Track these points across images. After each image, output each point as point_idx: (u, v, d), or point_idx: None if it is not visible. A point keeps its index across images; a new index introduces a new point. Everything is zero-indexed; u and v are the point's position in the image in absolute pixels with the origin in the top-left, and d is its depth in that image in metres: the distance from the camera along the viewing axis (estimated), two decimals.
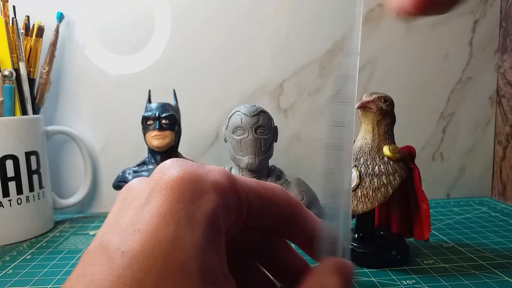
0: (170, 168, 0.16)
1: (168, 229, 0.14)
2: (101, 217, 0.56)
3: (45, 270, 0.38)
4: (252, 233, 0.20)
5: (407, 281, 0.34)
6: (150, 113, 0.42)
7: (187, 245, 0.14)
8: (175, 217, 0.15)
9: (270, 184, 0.19)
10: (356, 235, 0.39)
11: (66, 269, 0.38)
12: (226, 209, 0.16)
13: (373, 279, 0.34)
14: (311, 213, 0.20)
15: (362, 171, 0.36)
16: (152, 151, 0.43)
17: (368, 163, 0.36)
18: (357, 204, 0.35)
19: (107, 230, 0.16)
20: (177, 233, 0.14)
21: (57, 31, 0.54)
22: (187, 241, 0.14)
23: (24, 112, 0.49)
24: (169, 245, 0.14)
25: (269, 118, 0.33)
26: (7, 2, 0.48)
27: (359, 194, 0.36)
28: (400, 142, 0.38)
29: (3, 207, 0.45)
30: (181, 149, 0.52)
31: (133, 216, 0.15)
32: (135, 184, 0.17)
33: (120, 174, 0.44)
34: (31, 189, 0.48)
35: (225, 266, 0.16)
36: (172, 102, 0.50)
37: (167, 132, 0.42)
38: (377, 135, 0.37)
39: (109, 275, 0.14)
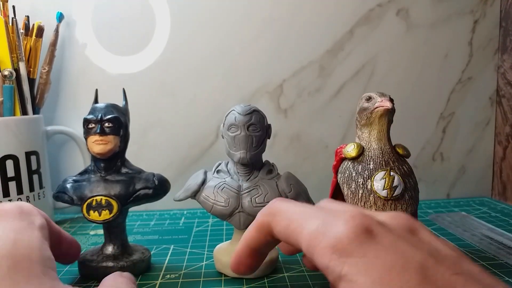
0: (4, 204, 0.24)
1: (9, 236, 0.21)
2: None
3: None
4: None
5: None
6: (91, 116, 0.36)
7: (29, 243, 0.21)
8: (15, 228, 0.22)
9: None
10: None
11: (66, 269, 0.38)
12: (45, 224, 0.25)
13: None
14: (58, 228, 0.29)
15: (399, 173, 0.33)
16: (95, 158, 0.37)
17: (397, 164, 0.34)
18: (406, 207, 0.33)
19: None
20: (18, 237, 0.21)
21: (57, 31, 0.54)
22: (27, 242, 0.21)
23: (24, 112, 0.49)
24: (11, 246, 0.20)
25: (262, 117, 0.36)
26: (7, 2, 0.48)
27: (406, 197, 0.33)
28: (400, 142, 0.38)
29: None
30: (181, 149, 0.51)
31: None
32: None
33: (61, 183, 0.38)
34: (31, 189, 0.48)
35: (53, 257, 0.23)
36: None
37: (110, 137, 0.36)
38: (387, 136, 0.35)
39: None
